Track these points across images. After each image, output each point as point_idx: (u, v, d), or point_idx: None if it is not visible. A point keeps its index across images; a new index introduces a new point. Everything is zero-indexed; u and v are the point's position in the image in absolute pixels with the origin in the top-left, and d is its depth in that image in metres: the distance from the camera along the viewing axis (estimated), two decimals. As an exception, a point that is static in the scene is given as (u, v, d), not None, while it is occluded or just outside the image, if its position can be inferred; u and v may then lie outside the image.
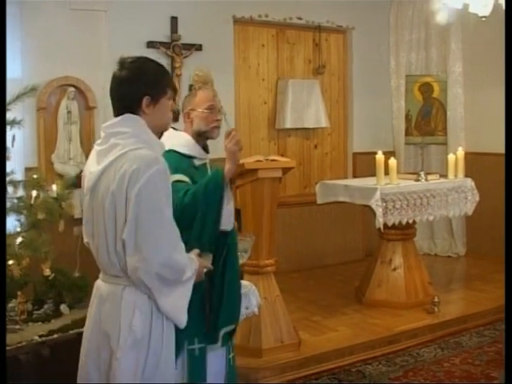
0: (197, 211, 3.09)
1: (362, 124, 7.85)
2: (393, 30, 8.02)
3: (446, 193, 5.90)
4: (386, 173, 5.80)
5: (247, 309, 3.87)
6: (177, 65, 6.55)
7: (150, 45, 6.39)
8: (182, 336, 2.86)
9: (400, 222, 5.73)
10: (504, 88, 2.85)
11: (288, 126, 7.30)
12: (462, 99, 7.66)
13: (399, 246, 5.99)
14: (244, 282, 4.11)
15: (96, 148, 2.62)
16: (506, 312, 1.91)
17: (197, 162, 3.39)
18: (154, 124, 2.62)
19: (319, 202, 6.09)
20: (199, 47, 6.65)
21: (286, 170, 4.70)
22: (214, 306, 3.25)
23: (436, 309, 5.70)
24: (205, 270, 2.81)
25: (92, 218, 2.60)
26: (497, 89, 7.50)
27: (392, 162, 5.75)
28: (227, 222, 3.20)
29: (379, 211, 5.50)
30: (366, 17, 7.80)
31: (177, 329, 2.68)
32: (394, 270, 5.93)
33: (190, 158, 3.37)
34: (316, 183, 6.40)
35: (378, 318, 5.62)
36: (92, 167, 2.59)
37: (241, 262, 3.95)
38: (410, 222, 5.84)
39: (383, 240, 6.03)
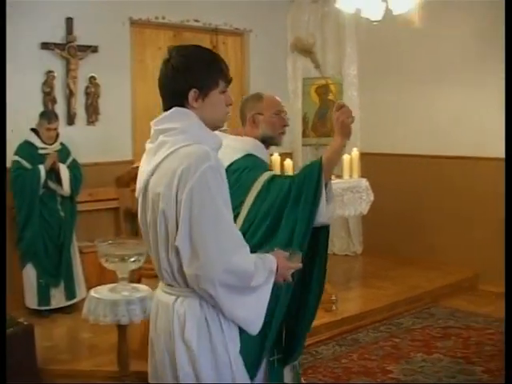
0: (286, 204, 2.97)
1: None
2: (289, 33, 8.12)
3: (342, 193, 6.00)
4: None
5: (144, 313, 3.84)
6: (72, 67, 6.45)
7: (45, 46, 6.27)
8: (262, 347, 2.81)
9: (297, 222, 5.75)
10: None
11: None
12: (358, 101, 7.83)
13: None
14: (141, 286, 4.08)
15: (147, 146, 2.40)
16: (506, 312, 1.94)
17: (265, 165, 3.31)
18: (205, 119, 2.37)
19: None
20: (95, 49, 6.57)
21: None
22: (297, 313, 3.12)
23: (334, 307, 5.80)
24: (291, 270, 2.49)
25: (146, 222, 2.37)
26: (391, 90, 7.72)
27: (288, 163, 5.81)
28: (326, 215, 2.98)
29: (276, 212, 5.53)
30: (264, 19, 7.88)
31: (257, 340, 2.60)
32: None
33: (265, 163, 3.29)
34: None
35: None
36: (143, 167, 2.38)
37: (137, 265, 3.93)
38: (306, 221, 5.88)
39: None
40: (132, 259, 3.83)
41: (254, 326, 2.36)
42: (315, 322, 5.49)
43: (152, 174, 2.30)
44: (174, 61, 2.37)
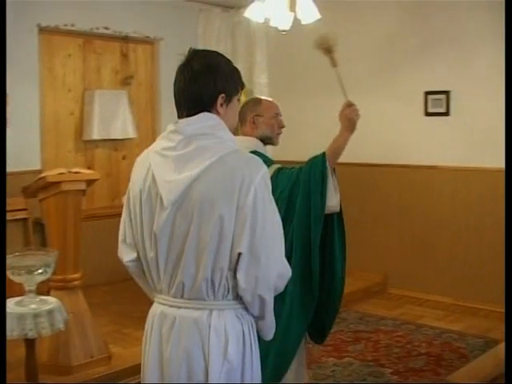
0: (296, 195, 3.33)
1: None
2: (200, 42, 8.10)
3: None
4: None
5: (53, 326, 3.79)
6: (-24, 74, 6.27)
7: None
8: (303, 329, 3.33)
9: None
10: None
11: (95, 137, 7.19)
12: (267, 109, 7.91)
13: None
14: (49, 298, 4.02)
15: (168, 153, 2.24)
16: (506, 311, 1.96)
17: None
18: (227, 124, 2.31)
19: (127, 213, 6.05)
20: (1, 56, 6.41)
21: (90, 183, 4.65)
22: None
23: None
24: None
25: (170, 234, 2.21)
26: (299, 100, 7.83)
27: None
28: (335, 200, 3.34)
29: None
30: (174, 28, 7.84)
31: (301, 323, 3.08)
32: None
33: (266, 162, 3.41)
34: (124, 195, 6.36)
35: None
36: (168, 176, 2.21)
37: (45, 277, 3.86)
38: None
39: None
40: (39, 271, 3.75)
41: (273, 331, 2.39)
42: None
43: (193, 182, 2.18)
44: (198, 65, 2.30)
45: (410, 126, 7.05)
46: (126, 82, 7.62)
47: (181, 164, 2.20)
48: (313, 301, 3.36)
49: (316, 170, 3.33)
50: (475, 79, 6.58)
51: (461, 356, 5.37)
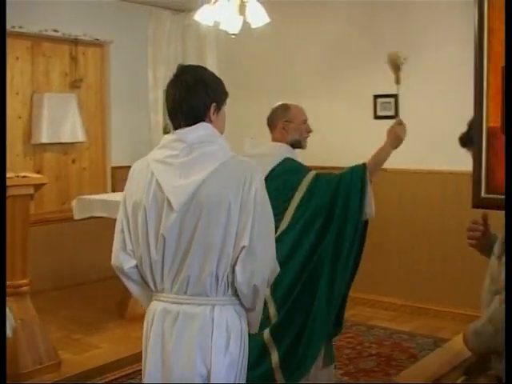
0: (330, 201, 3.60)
1: (121, 138, 7.84)
2: (150, 45, 8.08)
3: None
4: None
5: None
6: None
7: None
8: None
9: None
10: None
11: (44, 140, 7.11)
12: (219, 112, 7.91)
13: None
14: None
15: (171, 161, 2.46)
16: (506, 311, 1.95)
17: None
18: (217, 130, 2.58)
19: (76, 217, 6.02)
20: None
21: (38, 187, 4.60)
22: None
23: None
24: None
25: (178, 234, 2.41)
26: (249, 103, 7.84)
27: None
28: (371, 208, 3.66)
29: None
30: (124, 30, 7.80)
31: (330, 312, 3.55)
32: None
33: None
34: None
35: (141, 331, 5.60)
36: (175, 181, 2.42)
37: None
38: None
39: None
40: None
41: (259, 324, 2.65)
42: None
43: (200, 186, 2.40)
44: (190, 78, 2.51)
45: (359, 129, 7.11)
46: (75, 85, 7.54)
47: (185, 170, 2.42)
48: (339, 297, 3.77)
49: (357, 180, 3.61)
50: (423, 82, 6.66)
51: (410, 356, 5.44)
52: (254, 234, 2.39)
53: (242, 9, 5.77)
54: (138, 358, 5.08)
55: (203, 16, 5.82)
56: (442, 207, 6.50)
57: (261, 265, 2.41)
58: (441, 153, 6.43)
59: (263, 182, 2.50)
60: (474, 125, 2.14)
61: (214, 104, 2.54)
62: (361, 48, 7.07)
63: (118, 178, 7.64)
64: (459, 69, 5.86)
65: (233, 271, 2.41)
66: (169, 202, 2.40)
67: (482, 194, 2.17)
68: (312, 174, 3.72)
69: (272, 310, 3.60)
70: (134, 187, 2.54)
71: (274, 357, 3.59)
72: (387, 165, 6.96)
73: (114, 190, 7.53)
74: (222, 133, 2.59)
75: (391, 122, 6.85)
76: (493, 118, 2.13)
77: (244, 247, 2.37)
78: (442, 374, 3.07)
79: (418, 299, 6.77)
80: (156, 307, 2.49)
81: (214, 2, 5.68)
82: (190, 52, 8.19)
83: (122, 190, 7.10)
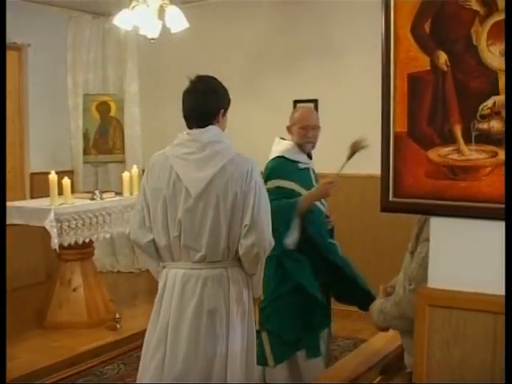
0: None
1: (39, 143, 7.69)
2: (70, 49, 7.97)
3: (122, 210, 5.99)
4: (62, 193, 5.75)
5: None
6: None
7: None
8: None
9: (76, 242, 5.69)
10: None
11: (-41, 146, 6.92)
12: (139, 118, 7.86)
13: (78, 265, 5.95)
14: None
15: (188, 157, 3.04)
16: (506, 311, 1.95)
17: (301, 166, 4.23)
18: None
19: (-8, 225, 5.87)
20: None
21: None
22: None
23: (118, 325, 5.76)
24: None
25: (192, 217, 3.00)
26: (170, 107, 7.80)
27: (65, 181, 5.71)
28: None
29: (54, 232, 5.44)
30: (43, 34, 7.66)
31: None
32: (74, 290, 5.89)
33: (296, 162, 4.19)
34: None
35: (60, 341, 5.53)
36: (193, 174, 3.01)
37: None
38: (87, 241, 5.83)
39: (61, 261, 5.94)
40: None
41: (260, 288, 3.46)
42: (99, 342, 5.51)
43: (213, 179, 2.99)
44: (203, 87, 3.13)
45: (279, 135, 7.14)
46: (-9, 90, 7.37)
47: (201, 164, 3.02)
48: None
49: (285, 215, 3.93)
50: (342, 88, 6.76)
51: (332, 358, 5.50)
52: (254, 215, 2.99)
53: (161, 14, 5.75)
54: (57, 367, 5.04)
55: (122, 20, 5.78)
56: (361, 210, 6.60)
57: (260, 238, 3.00)
58: (361, 157, 6.51)
59: (259, 174, 3.14)
60: (382, 130, 2.19)
61: (223, 110, 3.16)
62: (281, 53, 7.13)
63: (37, 184, 7.48)
64: (373, 74, 5.97)
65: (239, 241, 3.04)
66: (187, 190, 3.00)
67: (390, 197, 2.22)
68: (272, 183, 4.06)
69: None
70: (154, 176, 3.10)
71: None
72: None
73: (32, 197, 7.37)
74: (223, 131, 3.19)
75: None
76: (399, 123, 2.18)
77: (246, 225, 2.99)
78: (359, 373, 3.14)
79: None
80: (177, 273, 3.07)
81: (133, 7, 5.65)
82: (110, 56, 8.12)
83: (41, 196, 6.93)
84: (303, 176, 4.24)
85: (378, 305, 3.05)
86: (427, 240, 2.71)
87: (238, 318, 3.09)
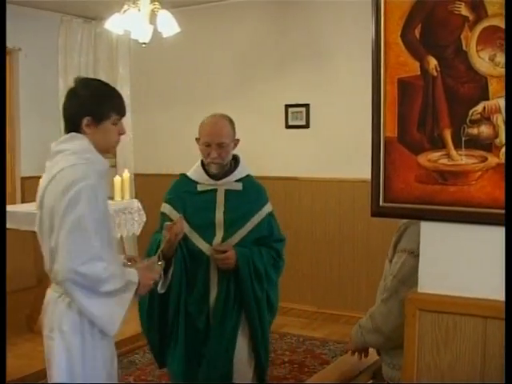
0: None
1: (30, 147, 7.67)
2: (61, 53, 7.97)
3: (113, 214, 5.98)
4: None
5: None
6: None
7: None
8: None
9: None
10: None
11: (-50, 150, 6.91)
12: (130, 122, 7.86)
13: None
14: None
15: (46, 164, 2.80)
16: (506, 311, 1.95)
17: (200, 188, 3.51)
18: (96, 144, 2.74)
19: (-17, 229, 5.85)
20: None
21: None
22: None
23: (109, 330, 5.75)
24: (153, 281, 2.95)
25: (42, 231, 2.76)
26: (162, 112, 7.82)
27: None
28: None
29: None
30: (34, 38, 7.65)
31: None
32: (66, 294, 5.86)
33: (195, 182, 3.53)
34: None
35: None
36: (41, 183, 2.79)
37: None
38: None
39: (53, 265, 5.89)
40: None
41: (110, 327, 2.75)
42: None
43: (45, 189, 2.71)
44: (73, 91, 2.78)
45: (271, 139, 7.17)
46: (-18, 93, 7.35)
47: (46, 174, 2.76)
48: None
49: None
50: (334, 92, 6.78)
51: (323, 362, 5.51)
52: (57, 237, 2.61)
53: (152, 18, 5.76)
54: (45, 374, 5.02)
55: (113, 24, 5.78)
56: (352, 214, 6.63)
57: (61, 264, 2.59)
58: (351, 161, 6.55)
59: (85, 191, 2.62)
60: (372, 134, 2.20)
61: (88, 118, 2.72)
62: (272, 57, 7.15)
63: (28, 188, 7.46)
64: (364, 78, 5.99)
65: None
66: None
67: (381, 202, 2.23)
68: (162, 206, 3.63)
69: None
70: None
71: None
72: (299, 173, 7.09)
73: (23, 201, 7.35)
74: (106, 148, 2.83)
75: (302, 131, 7.02)
76: (389, 127, 2.19)
77: (51, 247, 2.65)
78: (351, 376, 3.14)
79: (329, 306, 6.87)
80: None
81: (125, 11, 5.65)
82: (101, 60, 8.12)
83: (32, 200, 6.94)
84: (200, 200, 3.51)
85: (359, 321, 3.01)
86: (404, 251, 2.71)
87: (59, 354, 2.75)
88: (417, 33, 2.13)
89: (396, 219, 2.57)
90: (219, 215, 3.49)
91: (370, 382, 3.25)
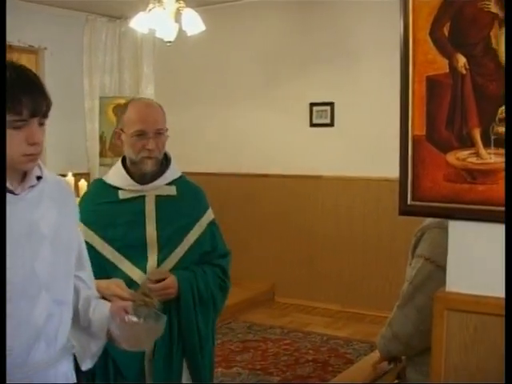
0: None
1: (56, 146, 7.70)
2: (86, 52, 8.00)
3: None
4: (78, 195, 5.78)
5: None
6: None
7: None
8: None
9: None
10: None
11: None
12: (156, 121, 7.87)
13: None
14: None
15: None
16: (506, 311, 1.95)
17: (122, 195, 2.74)
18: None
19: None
20: None
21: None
22: None
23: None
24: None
25: None
26: (187, 109, 7.83)
27: (82, 183, 5.75)
28: None
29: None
30: (59, 37, 7.68)
31: None
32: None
33: (115, 188, 2.76)
34: None
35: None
36: None
37: None
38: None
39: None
40: None
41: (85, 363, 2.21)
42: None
43: None
44: None
45: (295, 137, 7.16)
46: (7, 92, 7.39)
47: None
48: None
49: None
50: (358, 91, 6.76)
51: (347, 361, 5.49)
52: None
53: (177, 16, 5.76)
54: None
55: (138, 23, 5.80)
56: (377, 214, 6.60)
57: None
58: (376, 160, 6.53)
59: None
60: (400, 133, 2.18)
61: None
62: (297, 56, 7.14)
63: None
64: (389, 77, 5.96)
65: None
66: None
67: (409, 201, 2.21)
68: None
69: None
70: None
71: None
72: (323, 172, 7.08)
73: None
74: (10, 161, 1.86)
75: (327, 129, 7.01)
76: (418, 126, 2.17)
77: None
78: (375, 377, 3.12)
79: (353, 305, 6.85)
80: None
81: (150, 10, 5.66)
82: (126, 59, 8.15)
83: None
84: (124, 213, 2.75)
85: (381, 331, 2.88)
86: (421, 256, 2.67)
87: None
88: (445, 30, 2.11)
89: (421, 218, 2.54)
90: (151, 230, 2.74)
91: (396, 381, 3.23)
